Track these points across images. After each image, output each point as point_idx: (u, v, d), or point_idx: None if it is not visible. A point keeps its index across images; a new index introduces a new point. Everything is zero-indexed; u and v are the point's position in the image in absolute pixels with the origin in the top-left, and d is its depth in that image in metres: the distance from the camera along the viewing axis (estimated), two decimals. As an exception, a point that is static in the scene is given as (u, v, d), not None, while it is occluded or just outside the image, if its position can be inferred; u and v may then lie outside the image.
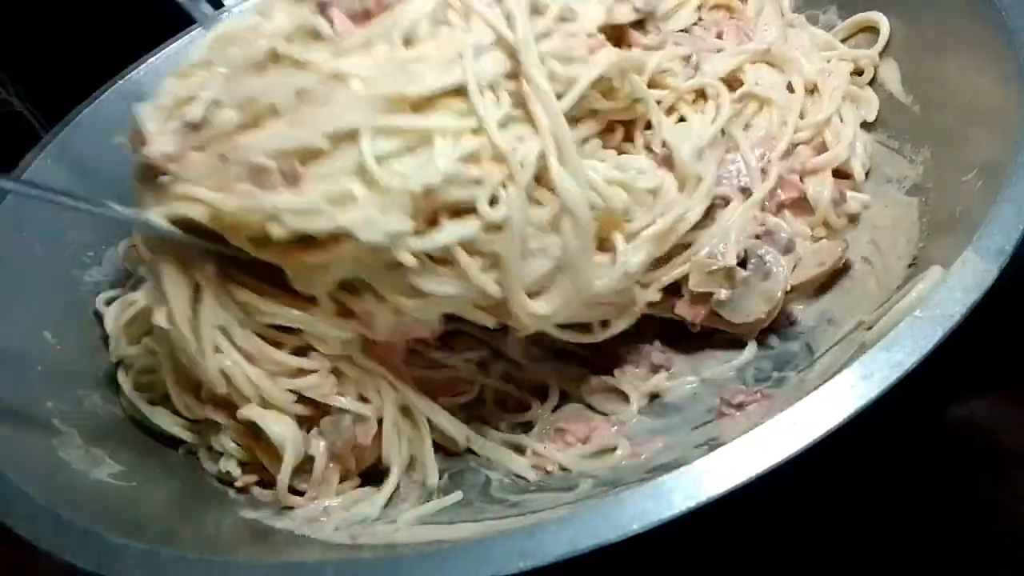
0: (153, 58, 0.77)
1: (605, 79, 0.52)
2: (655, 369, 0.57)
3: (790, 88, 0.63)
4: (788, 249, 0.56)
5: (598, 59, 0.51)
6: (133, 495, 0.48)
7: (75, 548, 0.40)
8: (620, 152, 0.56)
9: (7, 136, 0.91)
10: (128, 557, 0.39)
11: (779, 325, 0.56)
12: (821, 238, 0.58)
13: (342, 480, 0.52)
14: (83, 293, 0.63)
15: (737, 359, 0.55)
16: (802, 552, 0.51)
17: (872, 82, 0.64)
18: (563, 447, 0.54)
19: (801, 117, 0.62)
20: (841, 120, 0.62)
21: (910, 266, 0.51)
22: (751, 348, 0.55)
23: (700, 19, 0.68)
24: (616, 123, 0.56)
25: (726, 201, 0.57)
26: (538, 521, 0.36)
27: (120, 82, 0.74)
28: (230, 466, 0.52)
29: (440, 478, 0.54)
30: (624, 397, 0.56)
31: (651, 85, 0.57)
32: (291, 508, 0.50)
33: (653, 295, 0.55)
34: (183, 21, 0.73)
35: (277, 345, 0.50)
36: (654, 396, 0.56)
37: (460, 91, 0.47)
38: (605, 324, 0.54)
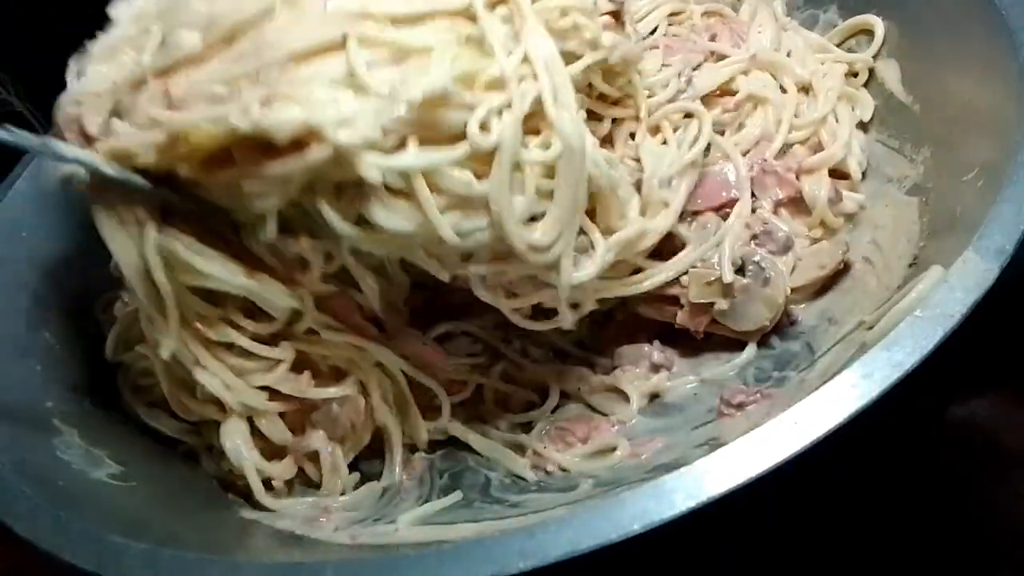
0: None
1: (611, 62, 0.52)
2: (655, 369, 0.57)
3: (783, 90, 0.63)
4: (787, 248, 0.56)
5: (611, 36, 0.51)
6: (133, 495, 0.48)
7: (75, 548, 0.40)
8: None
9: (7, 136, 0.91)
10: (128, 557, 0.39)
11: (780, 325, 0.56)
12: (819, 239, 0.58)
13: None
14: (83, 293, 0.63)
15: (737, 359, 0.55)
16: (803, 552, 0.51)
17: (871, 82, 0.64)
18: (563, 447, 0.54)
19: (796, 117, 0.62)
20: (837, 120, 0.62)
21: (911, 266, 0.51)
22: (751, 348, 0.55)
23: (693, 25, 0.68)
24: (597, 122, 0.56)
25: (717, 212, 0.57)
26: (538, 521, 0.37)
27: (120, 82, 0.74)
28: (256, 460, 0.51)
29: (440, 478, 0.54)
30: (624, 397, 0.56)
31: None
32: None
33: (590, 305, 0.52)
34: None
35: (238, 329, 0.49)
36: (654, 396, 0.56)
37: (457, 12, 0.45)
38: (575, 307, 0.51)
